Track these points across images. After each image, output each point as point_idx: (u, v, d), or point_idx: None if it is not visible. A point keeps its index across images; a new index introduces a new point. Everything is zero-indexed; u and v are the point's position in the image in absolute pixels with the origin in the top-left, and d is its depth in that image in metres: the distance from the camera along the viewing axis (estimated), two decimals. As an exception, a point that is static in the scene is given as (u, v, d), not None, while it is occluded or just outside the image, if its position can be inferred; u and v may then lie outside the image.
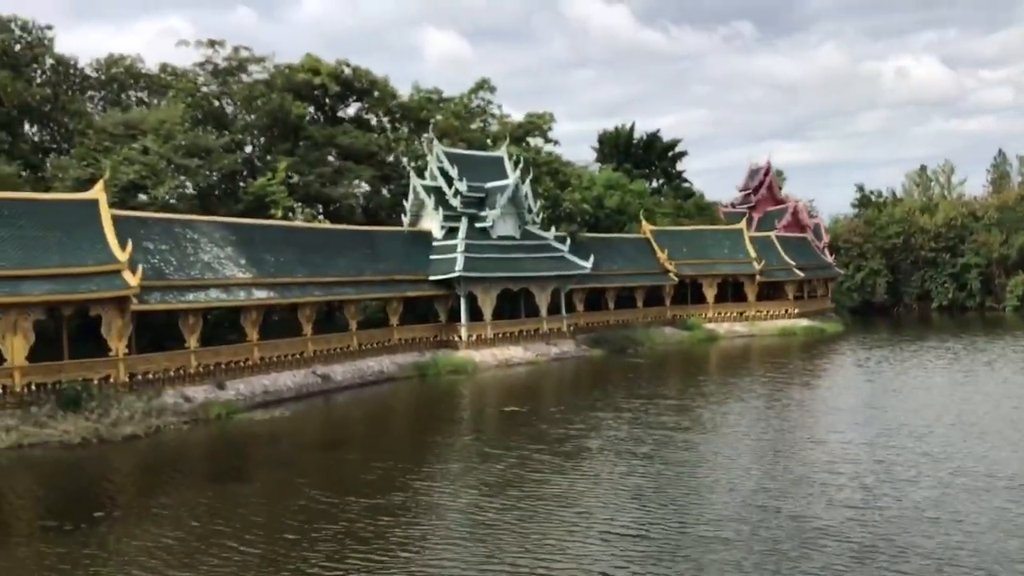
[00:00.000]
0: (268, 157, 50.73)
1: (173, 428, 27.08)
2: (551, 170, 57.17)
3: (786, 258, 62.56)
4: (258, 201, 43.55)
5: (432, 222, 46.56)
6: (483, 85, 60.95)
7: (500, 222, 46.67)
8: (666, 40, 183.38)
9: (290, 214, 42.79)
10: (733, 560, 12.86)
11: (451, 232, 45.70)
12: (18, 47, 44.40)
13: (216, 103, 48.86)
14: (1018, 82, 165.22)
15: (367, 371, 38.57)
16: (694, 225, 65.54)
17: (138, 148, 37.99)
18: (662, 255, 58.14)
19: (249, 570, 13.43)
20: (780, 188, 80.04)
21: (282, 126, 49.23)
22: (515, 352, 44.86)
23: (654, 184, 77.41)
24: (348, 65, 55.31)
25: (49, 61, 45.60)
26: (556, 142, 63.93)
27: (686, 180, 79.88)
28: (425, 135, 57.30)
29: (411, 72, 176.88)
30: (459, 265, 43.05)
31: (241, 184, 48.24)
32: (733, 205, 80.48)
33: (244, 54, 51.57)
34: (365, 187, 53.42)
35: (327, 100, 56.01)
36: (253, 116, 49.35)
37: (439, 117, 59.15)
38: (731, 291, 61.43)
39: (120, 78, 49.94)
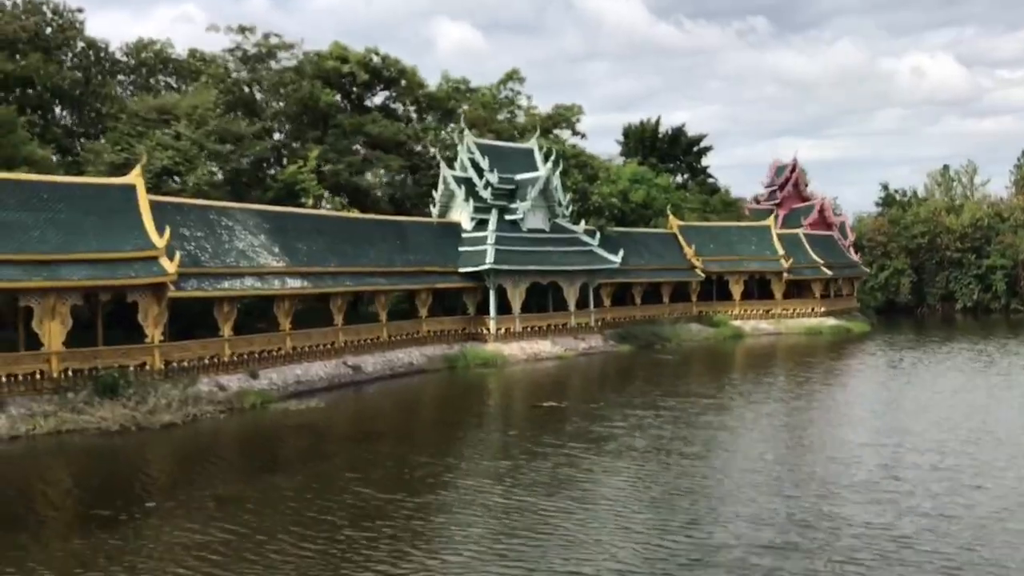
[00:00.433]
0: (295, 144, 50.50)
1: (209, 417, 26.85)
2: (579, 163, 56.65)
3: (814, 256, 61.94)
4: (287, 189, 43.27)
5: (462, 213, 46.18)
6: (512, 76, 60.46)
7: (530, 215, 46.25)
8: (680, 34, 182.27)
9: (320, 203, 42.39)
10: (813, 570, 12.47)
11: (481, 224, 45.32)
12: (49, 30, 44.22)
13: (246, 90, 48.53)
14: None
15: (397, 363, 38.31)
16: (721, 221, 64.96)
17: (171, 133, 37.74)
18: (689, 251, 57.62)
19: (311, 569, 13.11)
20: (806, 185, 79.19)
21: (311, 114, 48.92)
22: (543, 346, 44.51)
23: (679, 179, 76.71)
24: (377, 53, 54.93)
25: (80, 45, 45.36)
26: (583, 135, 63.45)
27: (711, 176, 79.23)
28: (453, 125, 56.89)
29: (423, 64, 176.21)
30: (490, 257, 42.68)
31: (269, 171, 48.00)
32: (758, 201, 79.80)
33: (274, 40, 51.23)
34: (392, 176, 53.08)
35: (354, 88, 55.63)
36: (282, 103, 49.01)
37: (466, 107, 58.74)
38: (757, 288, 60.91)
39: (149, 63, 49.71)
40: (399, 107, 58.86)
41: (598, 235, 48.88)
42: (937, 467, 18.76)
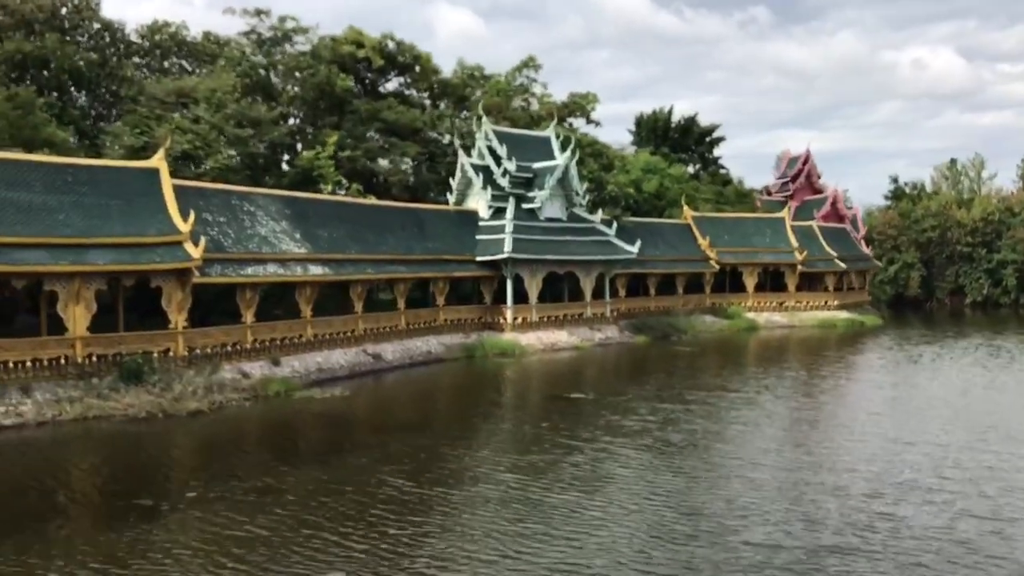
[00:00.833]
0: (309, 129, 50.05)
1: (235, 404, 26.59)
2: (594, 152, 56.24)
3: (828, 249, 61.70)
4: (304, 174, 42.88)
5: (479, 201, 45.81)
6: (528, 63, 59.89)
7: (548, 203, 45.92)
8: (681, 23, 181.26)
9: (338, 189, 42.01)
10: (882, 573, 12.24)
11: (498, 212, 44.96)
12: (65, 10, 43.72)
13: (263, 74, 48.04)
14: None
15: (415, 351, 38.07)
16: (734, 212, 64.63)
17: (190, 117, 37.32)
18: (703, 242, 57.34)
19: (362, 570, 12.81)
20: (819, 177, 78.78)
21: (328, 99, 48.42)
22: (560, 336, 44.26)
23: (690, 169, 76.24)
24: (392, 39, 54.42)
25: (95, 26, 44.84)
26: (597, 123, 62.95)
27: (723, 166, 78.79)
28: (467, 113, 56.43)
29: (422, 50, 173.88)
30: (508, 246, 42.36)
31: (285, 156, 47.60)
32: (769, 192, 79.42)
33: (289, 24, 50.69)
34: (407, 163, 52.67)
35: (369, 74, 55.14)
36: (298, 88, 48.53)
37: (478, 93, 58.25)
38: (770, 280, 60.65)
39: (164, 45, 49.17)
40: (412, 93, 58.40)
41: (615, 225, 48.54)
42: (984, 465, 18.51)
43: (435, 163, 53.17)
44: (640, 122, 77.58)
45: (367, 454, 20.54)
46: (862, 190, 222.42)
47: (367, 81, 55.69)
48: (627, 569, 12.57)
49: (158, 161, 29.69)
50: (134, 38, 48.45)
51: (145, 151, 36.06)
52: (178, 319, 28.32)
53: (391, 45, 54.43)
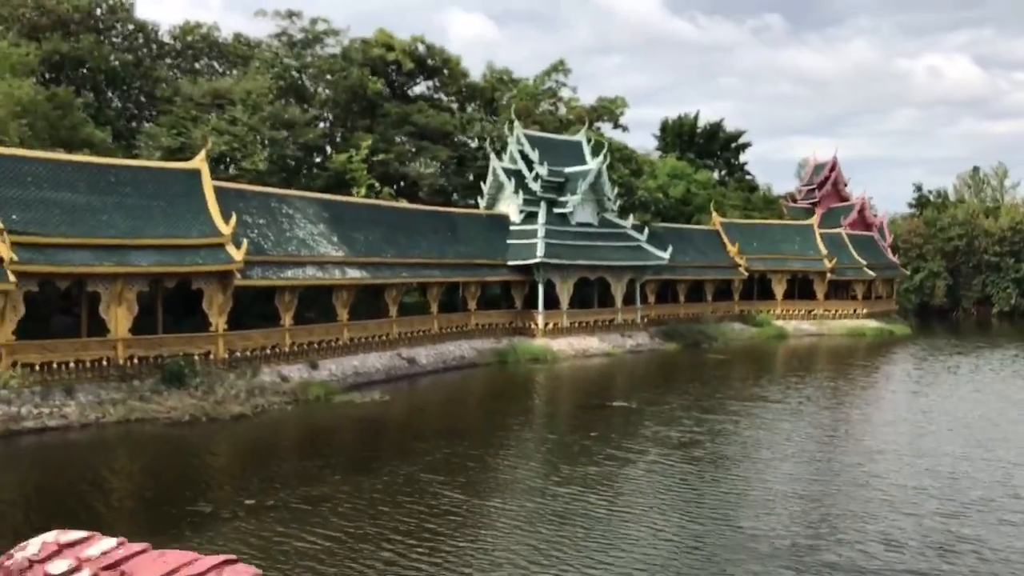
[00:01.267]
0: (339, 132, 49.93)
1: (276, 408, 26.39)
2: (623, 157, 55.88)
3: (857, 257, 61.12)
4: (337, 177, 42.74)
5: (510, 206, 45.54)
6: (558, 67, 59.63)
7: (579, 208, 45.61)
8: (695, 30, 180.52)
9: (371, 193, 41.80)
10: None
11: (530, 217, 44.69)
12: (99, 10, 43.73)
13: (296, 76, 47.94)
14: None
15: (448, 356, 37.82)
16: (762, 219, 64.15)
17: (227, 119, 37.21)
18: (732, 248, 56.88)
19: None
20: (845, 185, 78.16)
21: (360, 102, 48.27)
22: (592, 343, 43.92)
23: (715, 175, 75.78)
24: (423, 42, 54.28)
25: (129, 27, 44.85)
26: (625, 128, 62.59)
27: (748, 172, 78.27)
28: (496, 117, 56.17)
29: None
30: (540, 251, 42.09)
31: (316, 159, 47.47)
32: (794, 199, 78.85)
33: (321, 27, 50.61)
34: (434, 166, 52.46)
35: (398, 77, 55.03)
36: (330, 91, 48.41)
37: (506, 97, 58.01)
38: (798, 288, 60.11)
39: (196, 46, 49.15)
40: (440, 97, 58.24)
41: (646, 231, 48.19)
42: (1054, 484, 18.09)
43: (464, 167, 52.94)
44: (665, 127, 77.16)
45: (414, 462, 20.23)
46: (877, 198, 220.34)
47: (396, 84, 55.60)
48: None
49: (199, 162, 29.57)
50: (166, 39, 48.41)
51: (182, 152, 36.02)
52: (219, 322, 28.18)
53: (421, 48, 54.31)
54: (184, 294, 29.32)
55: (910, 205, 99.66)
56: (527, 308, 43.73)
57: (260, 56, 47.36)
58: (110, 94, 41.46)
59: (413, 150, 48.68)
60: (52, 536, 4.26)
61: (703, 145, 76.30)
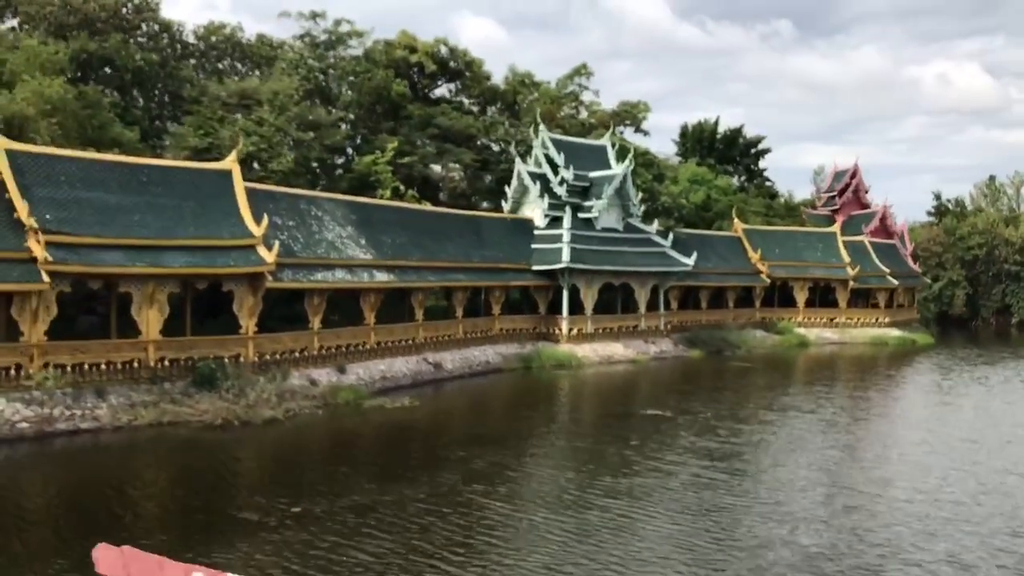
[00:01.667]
0: (363, 132, 49.64)
1: (307, 412, 26.10)
2: (645, 162, 55.50)
3: (880, 265, 60.55)
4: (361, 179, 42.49)
5: (535, 210, 45.19)
6: (580, 71, 59.31)
7: (604, 213, 45.24)
8: (703, 35, 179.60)
9: (396, 195, 41.51)
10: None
11: (554, 221, 44.34)
12: (125, 9, 43.61)
13: (321, 77, 47.74)
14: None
15: (474, 361, 37.50)
16: (784, 226, 63.66)
17: (254, 119, 37.00)
18: (754, 255, 56.43)
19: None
20: (866, 192, 77.56)
21: (384, 104, 48.03)
22: (616, 349, 43.53)
23: (735, 181, 75.29)
24: (445, 44, 54.03)
25: (155, 26, 44.72)
26: (647, 133, 62.23)
27: (768, 179, 77.74)
28: (517, 121, 55.88)
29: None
30: (566, 256, 41.74)
31: (338, 160, 47.23)
32: (814, 206, 78.29)
33: (344, 28, 50.42)
34: (457, 169, 52.19)
35: (421, 80, 54.77)
36: (354, 92, 48.17)
37: (532, 99, 57.71)
38: (819, 296, 59.59)
39: (219, 47, 49.01)
40: (462, 100, 57.93)
41: (671, 236, 47.81)
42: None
43: (486, 170, 52.63)
44: (685, 132, 76.73)
45: (454, 471, 19.90)
46: (891, 204, 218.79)
47: (418, 86, 55.34)
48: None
49: (231, 163, 29.33)
50: (190, 39, 48.28)
51: (209, 152, 35.81)
52: (249, 324, 27.92)
53: (443, 50, 54.05)
54: (207, 295, 29.06)
55: (929, 213, 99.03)
56: (551, 313, 43.39)
57: (284, 57, 47.18)
58: (135, 94, 41.24)
59: (436, 152, 48.33)
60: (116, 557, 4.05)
61: (723, 151, 75.78)
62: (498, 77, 58.34)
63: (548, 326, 43.12)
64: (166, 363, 25.86)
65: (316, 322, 30.45)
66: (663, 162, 62.07)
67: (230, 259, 26.99)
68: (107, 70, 39.92)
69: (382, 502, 16.94)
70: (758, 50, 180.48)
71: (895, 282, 60.41)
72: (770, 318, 56.59)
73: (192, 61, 48.01)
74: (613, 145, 49.46)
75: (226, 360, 26.84)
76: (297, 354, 29.44)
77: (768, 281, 56.19)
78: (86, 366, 24.36)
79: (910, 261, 70.12)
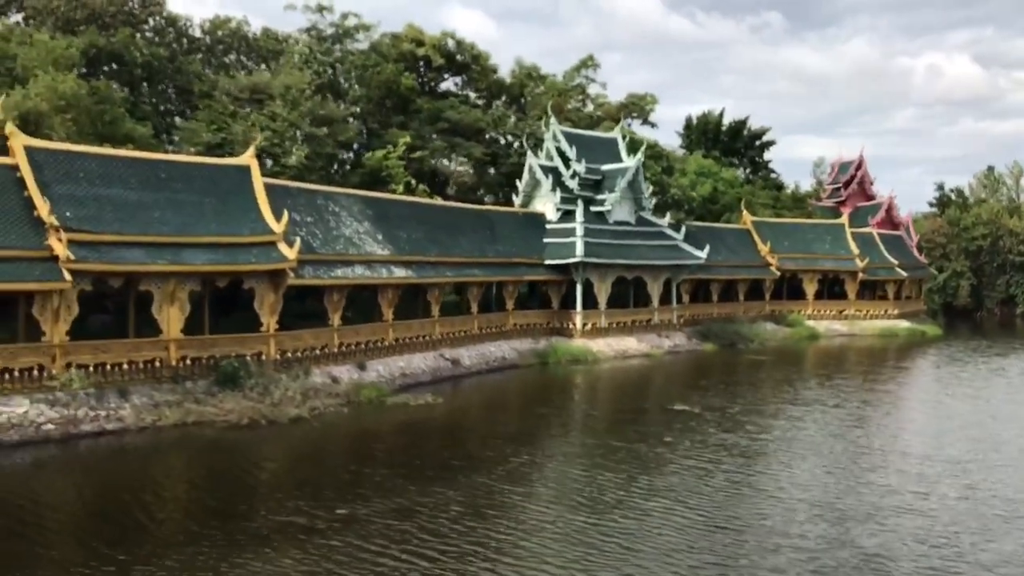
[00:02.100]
0: (370, 127, 49.19)
1: (332, 411, 25.76)
2: (654, 154, 55.16)
3: (888, 256, 60.36)
4: (372, 174, 42.10)
5: (546, 204, 44.85)
6: (587, 63, 58.90)
7: (617, 207, 44.91)
8: (693, 27, 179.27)
9: (408, 190, 41.13)
10: None
11: (567, 215, 44.01)
12: (131, 4, 43.08)
13: (330, 71, 47.26)
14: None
15: (490, 357, 37.18)
16: (792, 218, 63.42)
17: (267, 114, 36.55)
18: (764, 248, 56.19)
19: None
20: (871, 183, 77.37)
21: (394, 98, 47.58)
22: (630, 343, 43.27)
23: (740, 174, 74.95)
24: (453, 37, 53.62)
25: (161, 20, 44.19)
26: (654, 125, 61.87)
27: (773, 171, 77.46)
28: (526, 114, 55.51)
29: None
30: (579, 250, 41.43)
31: (347, 155, 46.80)
32: (819, 198, 78.06)
33: (352, 21, 49.92)
34: (465, 163, 51.81)
35: (428, 73, 54.33)
36: (363, 86, 47.70)
37: (535, 93, 57.33)
38: (827, 288, 59.40)
39: (226, 41, 48.48)
40: (468, 93, 57.49)
41: (683, 229, 47.52)
42: None
43: (494, 164, 52.24)
44: (690, 124, 76.37)
45: (488, 471, 19.61)
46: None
47: (424, 80, 54.90)
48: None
49: (249, 158, 28.95)
50: (196, 34, 47.74)
51: (221, 148, 35.42)
52: (270, 322, 27.57)
53: (451, 43, 53.63)
54: (220, 294, 28.61)
55: (931, 204, 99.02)
56: (563, 308, 43.09)
57: (293, 51, 46.69)
58: (144, 89, 40.72)
59: (447, 147, 47.92)
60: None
61: (727, 143, 75.42)
62: (499, 70, 58.04)
63: (561, 321, 42.82)
64: (187, 362, 25.50)
65: (336, 319, 30.10)
66: (671, 154, 61.73)
67: (251, 256, 26.62)
68: (115, 65, 39.34)
69: (423, 504, 16.64)
70: (748, 42, 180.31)
71: (904, 274, 60.24)
72: (780, 311, 56.40)
73: (198, 56, 47.42)
74: (624, 137, 49.15)
75: (248, 358, 26.48)
76: (318, 351, 29.08)
77: (778, 274, 55.98)
78: (108, 366, 23.99)
79: (916, 252, 70.00)
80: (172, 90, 43.37)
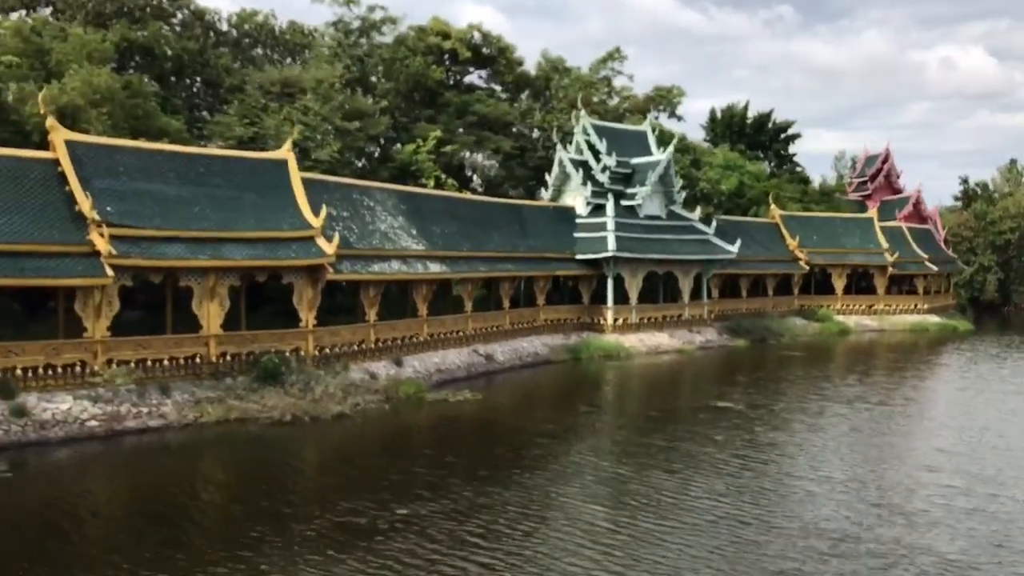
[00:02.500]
0: (400, 121, 48.81)
1: (373, 407, 25.51)
2: (681, 147, 54.60)
3: (918, 250, 59.64)
4: (402, 168, 41.78)
5: (576, 198, 44.46)
6: (613, 55, 58.33)
7: (648, 201, 44.45)
8: (706, 21, 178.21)
9: (438, 184, 40.80)
10: None
11: (597, 209, 43.61)
12: (162, -2, 42.85)
13: (360, 64, 46.91)
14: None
15: (523, 352, 36.88)
16: (820, 212, 62.72)
17: (299, 108, 36.28)
18: (793, 242, 55.59)
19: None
20: (898, 177, 76.50)
21: (422, 91, 47.23)
22: (662, 339, 42.85)
23: (766, 167, 74.16)
24: (479, 30, 53.12)
25: (189, 14, 43.97)
26: (680, 118, 61.28)
27: (798, 164, 76.62)
28: (551, 105, 54.99)
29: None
30: (611, 244, 41.02)
31: (374, 149, 46.45)
32: (844, 192, 77.24)
33: (379, 14, 49.56)
34: (492, 157, 51.37)
35: (453, 67, 53.88)
36: (391, 80, 47.33)
37: (561, 86, 56.80)
38: (855, 283, 58.73)
39: (252, 35, 48.24)
40: (494, 87, 56.97)
41: (713, 223, 47.01)
42: None
43: (522, 157, 51.79)
44: (714, 118, 75.63)
45: (539, 470, 19.28)
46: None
47: (450, 73, 54.46)
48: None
49: (286, 152, 28.71)
50: (223, 27, 47.51)
51: (253, 142, 35.18)
52: (308, 317, 27.32)
53: (477, 36, 53.15)
54: (249, 289, 28.27)
55: (956, 198, 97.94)
56: (594, 303, 42.71)
57: (321, 44, 46.36)
58: (173, 82, 40.50)
59: (475, 141, 47.53)
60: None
61: (752, 136, 74.62)
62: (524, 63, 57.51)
63: (592, 316, 42.44)
64: (227, 358, 25.29)
65: (372, 314, 29.83)
66: (697, 147, 61.14)
67: (291, 251, 26.37)
68: (145, 59, 39.12)
69: (480, 505, 16.32)
70: (761, 36, 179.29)
71: (934, 268, 59.51)
72: (808, 305, 55.81)
73: (225, 49, 47.17)
74: (653, 130, 48.65)
75: (287, 354, 26.25)
76: (355, 347, 28.83)
77: (807, 268, 55.39)
78: (148, 362, 23.81)
79: (944, 246, 69.18)
80: (199, 84, 43.14)
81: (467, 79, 56.43)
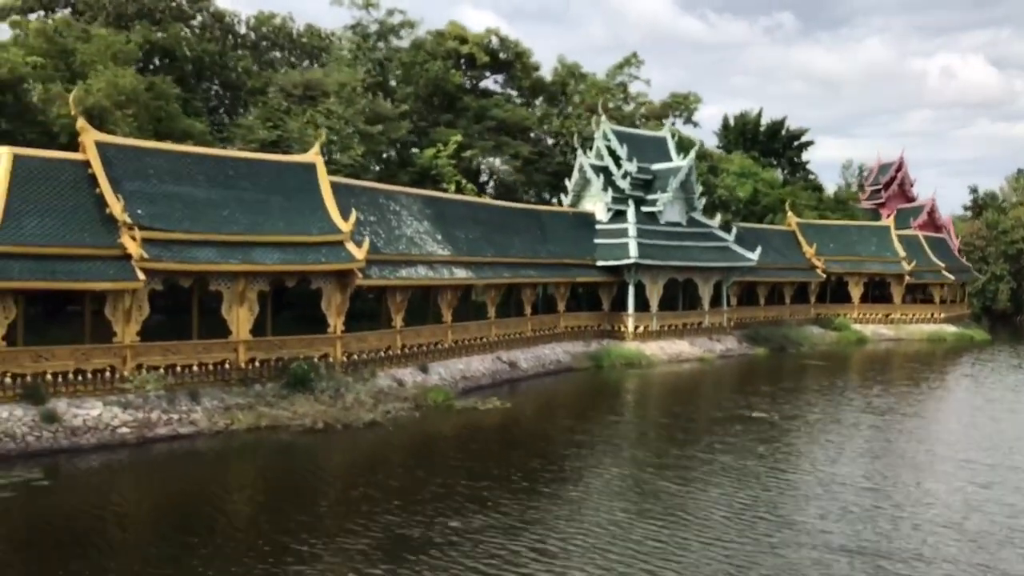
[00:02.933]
0: (419, 126, 48.47)
1: (404, 415, 25.12)
2: (700, 153, 54.30)
3: (934, 259, 59.30)
4: (422, 173, 41.45)
5: (596, 203, 44.11)
6: (630, 61, 58.07)
7: (668, 207, 44.13)
8: (706, 28, 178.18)
9: (458, 189, 40.48)
10: None
11: (617, 215, 43.26)
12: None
13: (380, 68, 46.64)
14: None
15: (546, 360, 36.53)
16: (835, 220, 62.41)
17: (322, 111, 35.97)
18: (810, 250, 55.24)
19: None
20: (911, 185, 76.24)
21: (441, 96, 46.94)
22: (682, 347, 42.49)
23: (779, 175, 73.89)
24: (497, 35, 52.88)
25: (209, 16, 43.68)
26: (696, 124, 61.02)
27: (811, 172, 76.38)
28: (569, 112, 54.72)
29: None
30: (633, 251, 40.67)
31: (391, 153, 46.14)
32: (857, 200, 76.99)
33: (397, 19, 49.30)
34: (508, 162, 51.05)
35: (471, 71, 53.61)
36: (411, 84, 47.01)
37: (577, 91, 56.55)
38: (871, 291, 58.39)
39: (270, 37, 47.96)
40: (510, 91, 56.70)
41: (734, 231, 46.69)
42: None
43: (540, 163, 51.48)
44: (727, 125, 75.41)
45: (583, 483, 18.95)
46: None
47: (468, 77, 54.19)
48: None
49: (314, 155, 28.37)
50: (241, 30, 47.22)
51: (276, 145, 34.86)
52: (337, 323, 26.96)
53: (494, 41, 52.90)
54: (274, 293, 27.85)
55: (966, 208, 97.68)
56: (614, 310, 42.36)
57: (340, 48, 46.07)
58: (193, 84, 40.16)
59: (500, 145, 47.20)
60: None
61: (765, 143, 74.38)
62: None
63: (612, 323, 42.09)
64: (256, 364, 24.94)
65: (398, 320, 29.49)
66: (715, 154, 60.87)
67: (321, 255, 26.02)
68: (166, 60, 38.81)
69: (528, 520, 15.94)
70: (761, 43, 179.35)
71: (951, 277, 59.18)
72: (825, 314, 55.48)
73: (244, 52, 46.88)
74: (673, 136, 48.35)
75: (316, 360, 25.90)
76: (382, 353, 28.47)
77: (824, 276, 55.07)
78: (178, 368, 23.46)
79: (958, 255, 68.86)
80: (218, 86, 42.83)
81: (482, 84, 56.21)
